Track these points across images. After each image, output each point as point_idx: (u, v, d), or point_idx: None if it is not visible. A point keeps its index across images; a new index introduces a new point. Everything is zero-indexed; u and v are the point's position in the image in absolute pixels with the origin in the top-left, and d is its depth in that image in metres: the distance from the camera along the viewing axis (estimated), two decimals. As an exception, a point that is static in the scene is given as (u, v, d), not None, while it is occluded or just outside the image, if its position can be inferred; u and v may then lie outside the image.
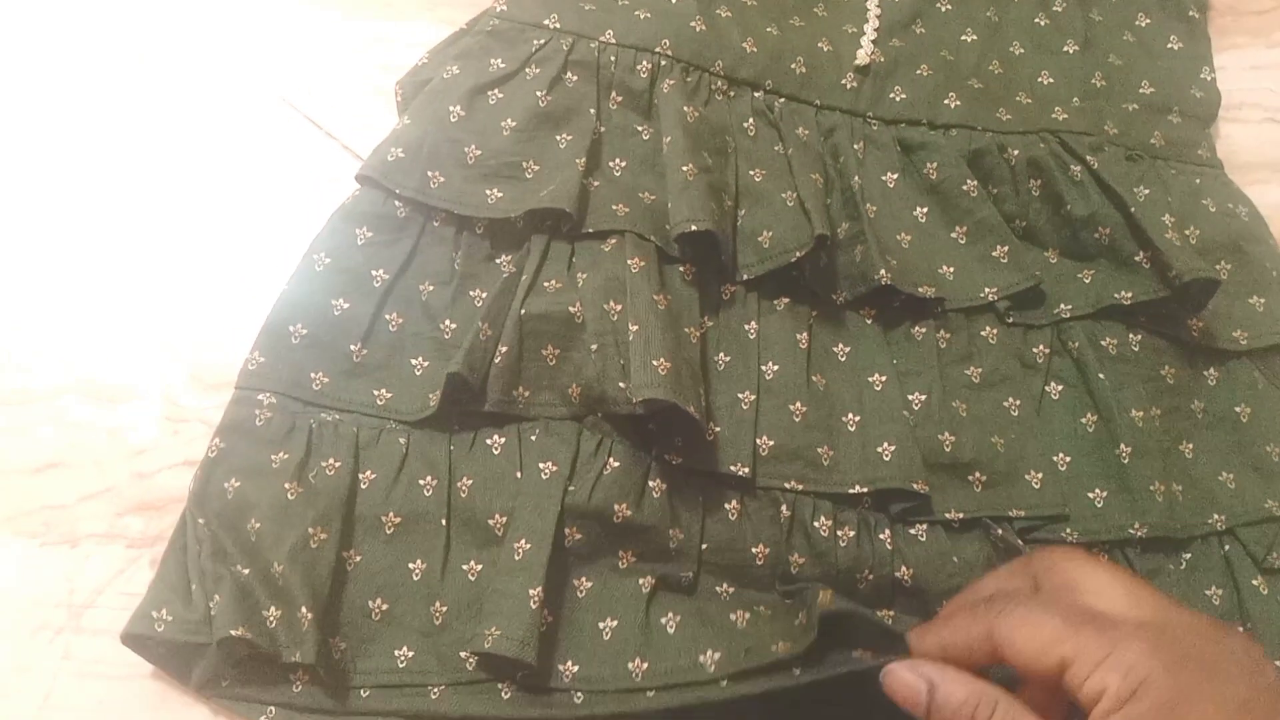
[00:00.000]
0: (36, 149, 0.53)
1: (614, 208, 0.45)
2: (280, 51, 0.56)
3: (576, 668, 0.40)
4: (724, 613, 0.41)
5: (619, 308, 0.43)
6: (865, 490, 0.43)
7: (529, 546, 0.40)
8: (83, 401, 0.47)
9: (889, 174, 0.50)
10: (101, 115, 0.54)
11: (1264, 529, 0.45)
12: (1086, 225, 0.49)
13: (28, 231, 0.51)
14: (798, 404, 0.44)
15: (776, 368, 0.45)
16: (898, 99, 0.51)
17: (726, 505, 0.43)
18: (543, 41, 0.50)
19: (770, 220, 0.47)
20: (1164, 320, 0.48)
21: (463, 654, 0.40)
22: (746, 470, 0.43)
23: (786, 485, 0.43)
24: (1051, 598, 0.35)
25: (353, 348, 0.44)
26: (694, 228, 0.44)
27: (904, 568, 0.43)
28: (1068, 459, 0.45)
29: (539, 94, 0.48)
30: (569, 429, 0.43)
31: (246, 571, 0.39)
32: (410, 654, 0.41)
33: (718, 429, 0.43)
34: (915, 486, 0.43)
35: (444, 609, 0.41)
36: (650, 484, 0.42)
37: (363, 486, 0.42)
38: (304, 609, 0.39)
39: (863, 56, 0.52)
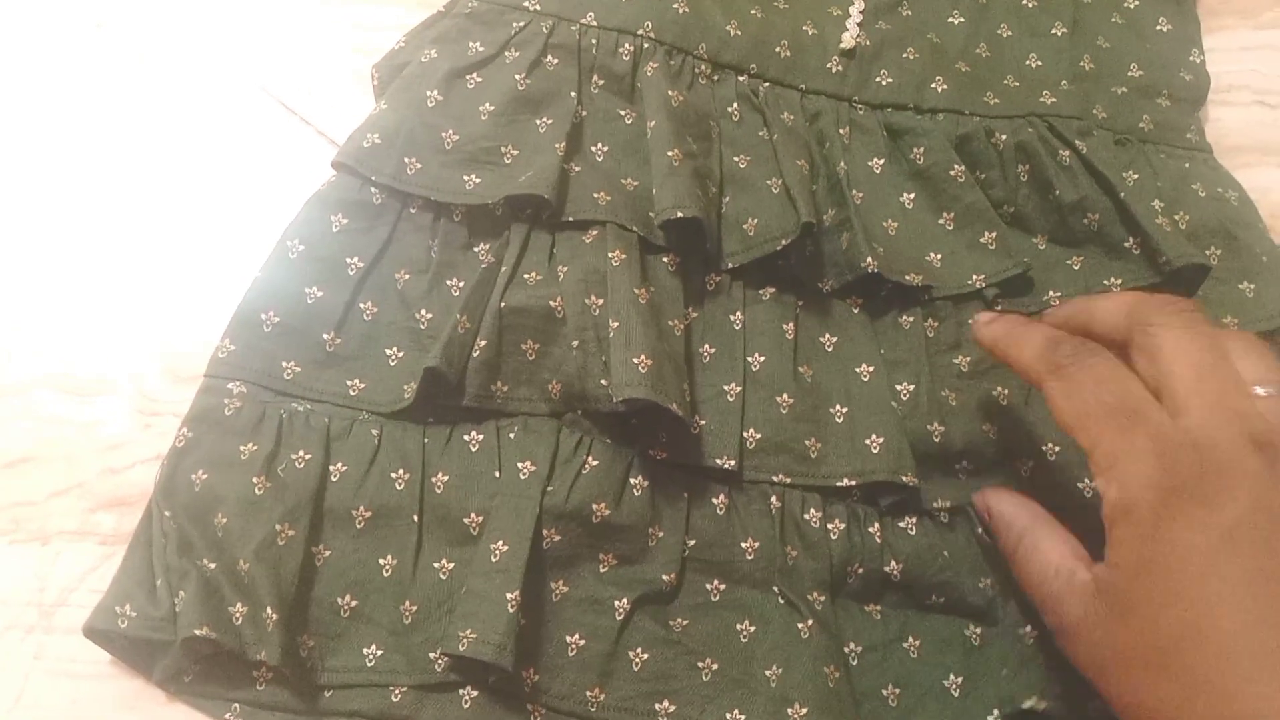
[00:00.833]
0: (2, 141, 0.52)
1: (595, 195, 0.44)
2: (255, 36, 0.55)
3: (538, 677, 0.39)
4: (692, 663, 0.40)
5: (600, 302, 0.42)
6: (854, 484, 0.43)
7: (506, 549, 0.39)
8: (55, 396, 0.46)
9: (875, 159, 0.49)
10: (68, 105, 0.53)
11: None
12: (1075, 211, 0.48)
13: (-5, 222, 0.50)
14: (785, 395, 0.44)
15: (763, 359, 0.44)
16: (884, 83, 0.50)
17: (714, 500, 0.42)
18: (522, 24, 0.49)
19: (755, 207, 0.46)
20: (1153, 307, 0.48)
21: (432, 655, 0.39)
22: (733, 463, 0.42)
23: (774, 478, 0.43)
24: (1110, 367, 0.35)
25: (326, 336, 0.43)
26: (680, 214, 0.43)
27: (893, 561, 0.42)
28: (1057, 448, 0.44)
29: (518, 77, 0.47)
30: (548, 426, 0.42)
31: (213, 566, 0.39)
32: (379, 652, 0.40)
33: (703, 422, 0.42)
34: (904, 479, 0.42)
35: (414, 608, 0.40)
36: (631, 481, 0.41)
37: (333, 479, 0.41)
38: (269, 609, 0.38)
39: (848, 40, 0.51)
